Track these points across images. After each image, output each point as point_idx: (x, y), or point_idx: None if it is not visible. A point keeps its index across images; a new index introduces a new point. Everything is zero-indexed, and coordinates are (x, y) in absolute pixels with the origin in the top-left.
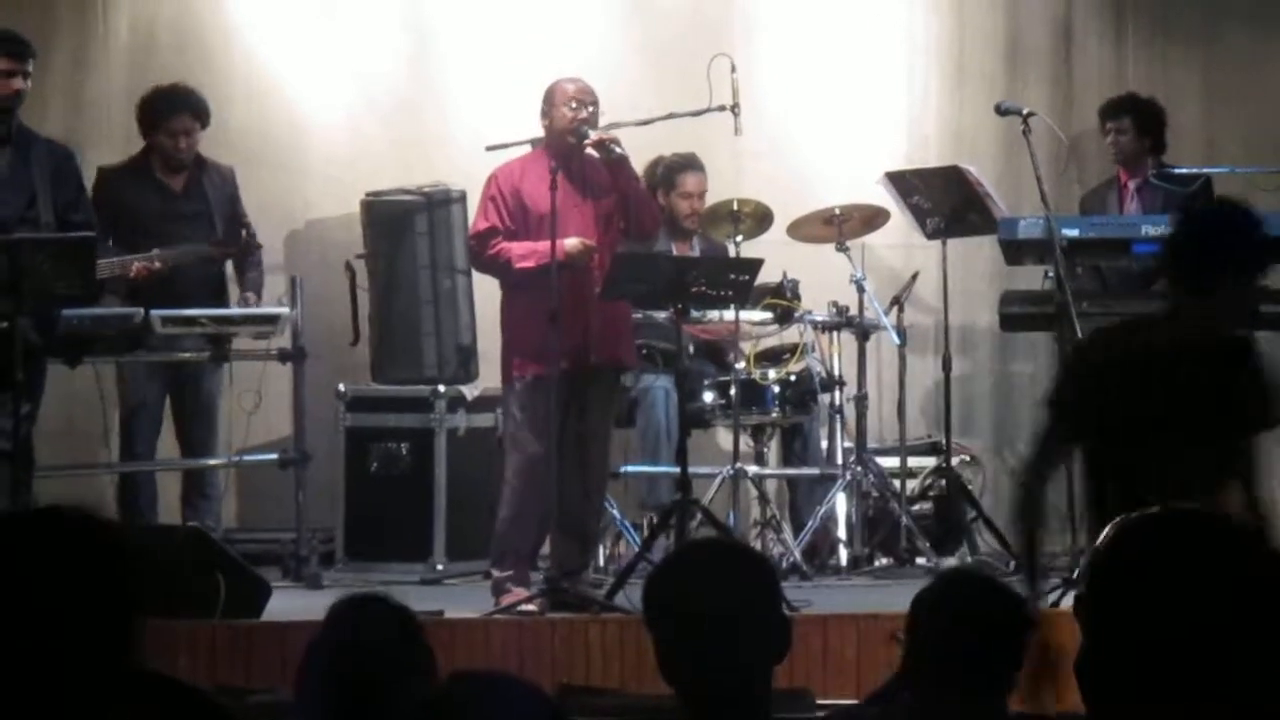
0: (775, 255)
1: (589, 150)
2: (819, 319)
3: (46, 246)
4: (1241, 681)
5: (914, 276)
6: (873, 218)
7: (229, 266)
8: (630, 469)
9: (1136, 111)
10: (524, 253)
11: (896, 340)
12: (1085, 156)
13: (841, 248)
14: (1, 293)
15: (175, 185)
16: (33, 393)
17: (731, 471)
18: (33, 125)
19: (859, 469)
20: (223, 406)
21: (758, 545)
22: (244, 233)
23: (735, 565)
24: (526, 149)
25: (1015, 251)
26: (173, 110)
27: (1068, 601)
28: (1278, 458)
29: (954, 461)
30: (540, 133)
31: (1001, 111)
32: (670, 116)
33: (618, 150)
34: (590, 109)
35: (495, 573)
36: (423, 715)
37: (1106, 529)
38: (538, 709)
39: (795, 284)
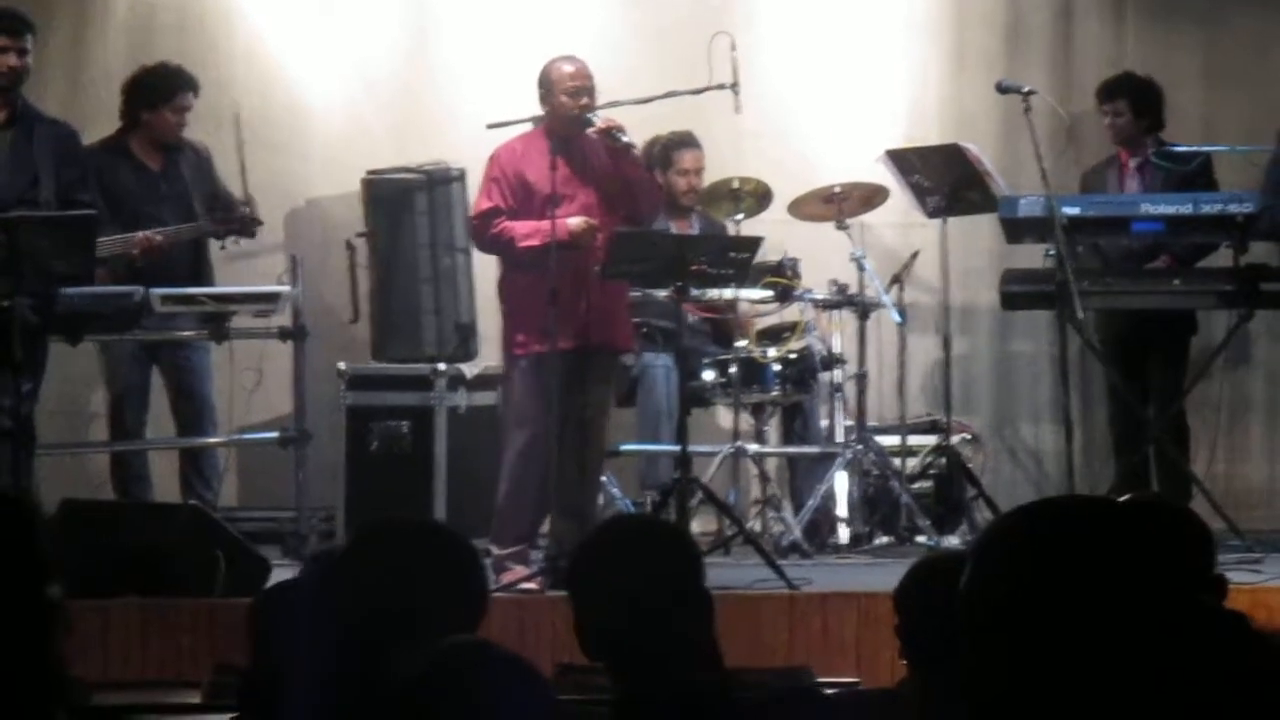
0: (775, 233)
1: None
2: (819, 297)
3: (45, 225)
4: (1112, 670)
5: (914, 255)
6: (872, 196)
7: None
8: (630, 447)
9: (1132, 93)
10: (527, 232)
11: (897, 318)
12: (1085, 136)
13: (841, 226)
14: (0, 271)
15: (154, 165)
16: (34, 371)
17: (732, 450)
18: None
19: (859, 447)
20: (220, 385)
21: (758, 523)
22: (248, 210)
23: (651, 542)
24: (528, 127)
25: (1015, 230)
26: (177, 87)
27: None
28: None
29: (954, 440)
30: (541, 111)
31: (1002, 90)
32: (670, 95)
33: (623, 139)
34: (588, 94)
35: (495, 551)
36: (419, 685)
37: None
38: (533, 683)
39: (795, 262)
